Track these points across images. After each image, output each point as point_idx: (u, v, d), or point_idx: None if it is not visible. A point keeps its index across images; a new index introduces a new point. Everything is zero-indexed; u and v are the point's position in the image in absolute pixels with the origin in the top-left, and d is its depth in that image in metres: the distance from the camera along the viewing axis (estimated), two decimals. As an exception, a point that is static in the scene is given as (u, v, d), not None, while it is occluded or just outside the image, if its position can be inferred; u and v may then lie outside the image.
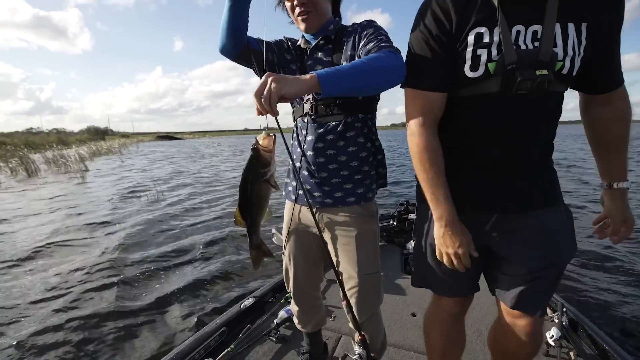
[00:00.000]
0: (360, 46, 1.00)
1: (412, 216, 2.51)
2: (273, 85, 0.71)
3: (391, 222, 2.73)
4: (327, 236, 1.15)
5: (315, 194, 1.11)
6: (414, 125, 0.86)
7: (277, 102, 0.73)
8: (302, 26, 1.10)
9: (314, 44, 1.12)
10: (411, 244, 2.22)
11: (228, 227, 4.37)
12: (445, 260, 0.86)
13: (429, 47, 0.82)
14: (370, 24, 1.06)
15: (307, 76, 0.75)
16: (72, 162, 12.85)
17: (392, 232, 2.66)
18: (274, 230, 1.87)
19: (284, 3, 1.13)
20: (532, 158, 0.84)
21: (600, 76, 0.83)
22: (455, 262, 0.84)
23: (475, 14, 0.78)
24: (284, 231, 1.23)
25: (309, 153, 1.10)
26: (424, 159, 0.84)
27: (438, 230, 0.85)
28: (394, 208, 2.94)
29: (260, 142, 0.80)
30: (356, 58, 1.02)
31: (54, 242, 3.95)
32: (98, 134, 58.48)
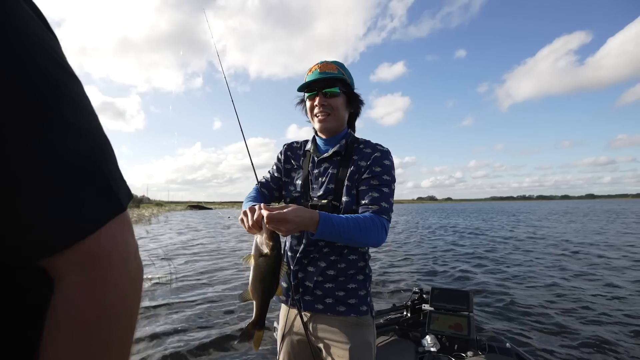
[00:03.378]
0: (362, 188, 1.07)
1: (427, 307, 2.25)
2: (284, 228, 0.85)
3: (405, 313, 2.43)
4: (321, 345, 1.12)
5: (307, 297, 1.11)
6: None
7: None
8: (318, 125, 1.15)
9: (324, 155, 1.16)
10: (427, 340, 1.98)
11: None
12: None
13: None
14: (382, 162, 1.09)
15: (311, 223, 0.89)
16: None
17: (406, 325, 2.33)
18: (275, 324, 1.68)
19: (304, 102, 1.20)
20: None
21: None
22: None
23: None
24: (279, 335, 1.21)
25: (305, 258, 1.12)
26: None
27: None
28: (407, 295, 2.66)
29: (265, 246, 0.85)
30: (357, 184, 1.09)
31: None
32: (134, 201, 61.25)
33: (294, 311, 1.16)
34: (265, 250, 0.85)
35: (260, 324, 0.91)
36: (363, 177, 1.08)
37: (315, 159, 1.18)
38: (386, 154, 1.12)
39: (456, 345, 1.93)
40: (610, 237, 11.26)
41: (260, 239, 0.86)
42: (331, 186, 1.11)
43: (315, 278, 1.10)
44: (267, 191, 1.23)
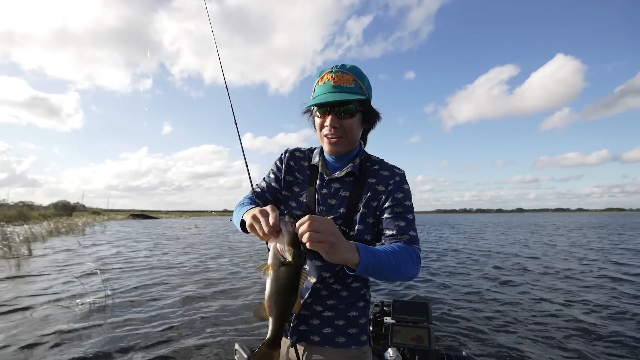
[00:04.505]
0: (385, 216, 0.98)
1: (389, 319, 2.17)
2: (331, 240, 0.71)
3: None
4: None
5: (301, 327, 1.02)
6: None
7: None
8: (327, 148, 1.03)
9: (335, 174, 1.05)
10: (389, 353, 1.94)
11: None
12: None
13: None
14: (402, 187, 1.01)
15: (352, 249, 0.76)
16: (15, 243, 10.80)
17: None
18: (236, 347, 1.65)
19: (312, 115, 1.06)
20: None
21: None
22: None
23: None
24: None
25: (307, 283, 1.02)
26: None
27: None
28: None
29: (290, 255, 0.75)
30: (378, 216, 1.01)
31: None
32: (66, 209, 54.55)
33: (285, 342, 1.05)
34: (288, 257, 0.75)
35: (277, 343, 0.81)
36: (385, 205, 0.98)
37: (325, 177, 1.05)
38: (404, 177, 1.03)
39: (417, 357, 1.96)
40: (539, 247, 12.63)
41: (280, 245, 0.75)
42: (342, 210, 1.01)
43: (314, 307, 1.02)
44: (262, 203, 1.09)
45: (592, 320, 4.22)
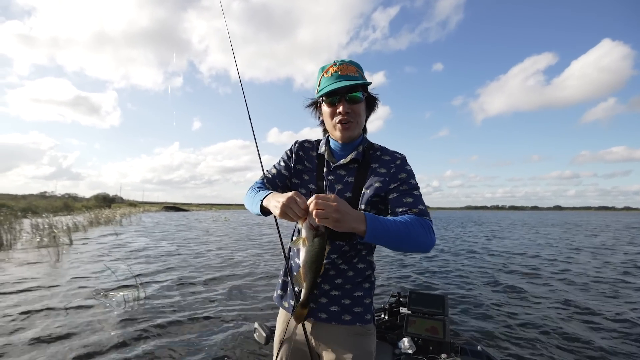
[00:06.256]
0: (393, 196, 1.04)
1: (404, 310, 2.24)
2: (334, 216, 0.81)
3: (382, 315, 2.44)
4: (321, 355, 1.10)
5: (311, 305, 1.08)
6: None
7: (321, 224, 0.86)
8: (340, 135, 1.10)
9: (340, 162, 1.13)
10: (404, 342, 1.96)
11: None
12: None
13: None
14: (404, 168, 1.08)
15: (359, 219, 0.85)
16: (58, 232, 11.64)
17: (383, 327, 2.31)
18: (256, 325, 1.71)
19: (318, 106, 1.15)
20: None
21: None
22: None
23: None
24: (276, 342, 1.19)
25: None
26: None
27: None
28: (384, 299, 2.68)
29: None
30: (387, 199, 1.06)
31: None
32: (106, 201, 58.27)
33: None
34: (322, 229, 0.88)
35: (308, 303, 0.97)
36: (390, 187, 1.06)
37: (331, 164, 1.14)
38: (405, 159, 1.12)
39: (430, 348, 1.90)
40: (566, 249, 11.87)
41: (313, 221, 0.88)
42: (348, 194, 1.09)
43: (322, 286, 1.09)
44: (271, 187, 1.18)
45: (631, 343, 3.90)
